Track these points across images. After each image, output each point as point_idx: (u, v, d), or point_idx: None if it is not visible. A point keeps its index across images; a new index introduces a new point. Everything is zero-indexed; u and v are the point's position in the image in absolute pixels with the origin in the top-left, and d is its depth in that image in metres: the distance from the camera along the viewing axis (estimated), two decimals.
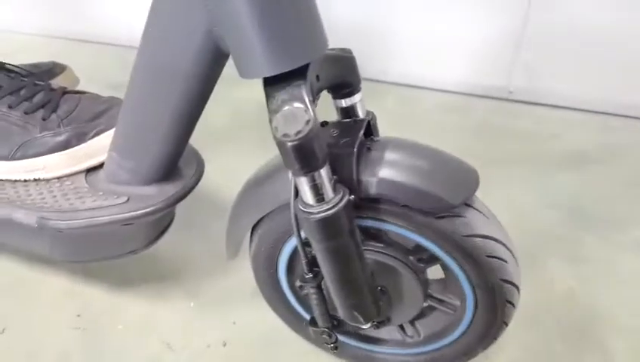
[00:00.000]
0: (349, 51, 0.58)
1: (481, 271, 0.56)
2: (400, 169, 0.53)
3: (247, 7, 0.44)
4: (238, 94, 1.32)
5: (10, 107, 0.68)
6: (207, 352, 0.72)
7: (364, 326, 0.62)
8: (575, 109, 1.40)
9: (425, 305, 0.65)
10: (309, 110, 0.45)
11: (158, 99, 0.57)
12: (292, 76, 0.47)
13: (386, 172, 0.52)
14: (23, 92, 0.70)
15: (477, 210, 0.56)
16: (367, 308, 0.59)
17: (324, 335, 0.66)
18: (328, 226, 0.49)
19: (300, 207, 0.50)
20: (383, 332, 0.70)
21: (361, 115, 0.61)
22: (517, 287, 0.59)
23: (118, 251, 0.72)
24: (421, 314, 0.69)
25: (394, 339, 0.70)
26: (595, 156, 1.21)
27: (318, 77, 0.51)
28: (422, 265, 0.62)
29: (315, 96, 0.51)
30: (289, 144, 0.44)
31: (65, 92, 0.73)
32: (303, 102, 0.45)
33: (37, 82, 0.72)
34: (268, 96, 0.47)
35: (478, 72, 1.43)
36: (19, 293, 0.79)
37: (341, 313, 0.60)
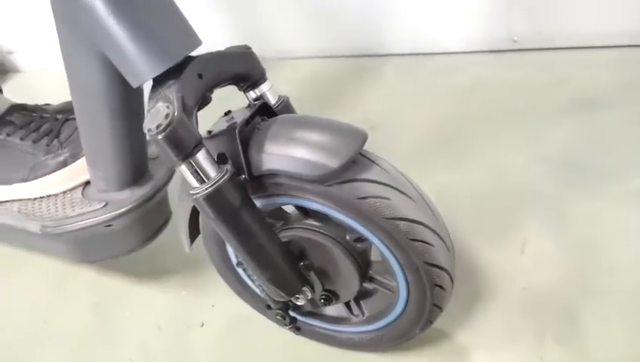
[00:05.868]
0: (245, 47, 0.63)
1: (406, 253, 0.57)
2: (281, 142, 0.55)
3: (110, 28, 0.53)
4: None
5: (21, 139, 0.85)
6: (188, 331, 0.83)
7: (298, 303, 0.65)
8: (586, 47, 1.24)
9: (366, 284, 0.67)
10: (171, 105, 0.50)
11: (92, 118, 0.68)
12: (168, 78, 0.54)
13: (269, 147, 0.55)
14: (31, 125, 0.87)
15: (403, 193, 0.57)
16: (285, 283, 0.62)
17: (278, 317, 0.68)
18: (214, 203, 0.53)
19: (190, 191, 0.54)
20: (337, 312, 0.72)
21: (272, 102, 0.65)
22: (447, 272, 0.60)
23: (119, 250, 0.84)
24: (367, 294, 0.70)
25: (344, 317, 0.72)
26: (603, 99, 1.08)
27: (200, 75, 0.56)
28: (359, 245, 0.63)
29: (201, 93, 0.56)
30: (156, 137, 0.50)
31: (67, 119, 0.88)
32: (167, 99, 0.51)
33: (43, 115, 0.88)
34: (148, 100, 0.54)
35: (477, 28, 1.35)
36: (58, 287, 0.97)
37: (265, 289, 0.64)
